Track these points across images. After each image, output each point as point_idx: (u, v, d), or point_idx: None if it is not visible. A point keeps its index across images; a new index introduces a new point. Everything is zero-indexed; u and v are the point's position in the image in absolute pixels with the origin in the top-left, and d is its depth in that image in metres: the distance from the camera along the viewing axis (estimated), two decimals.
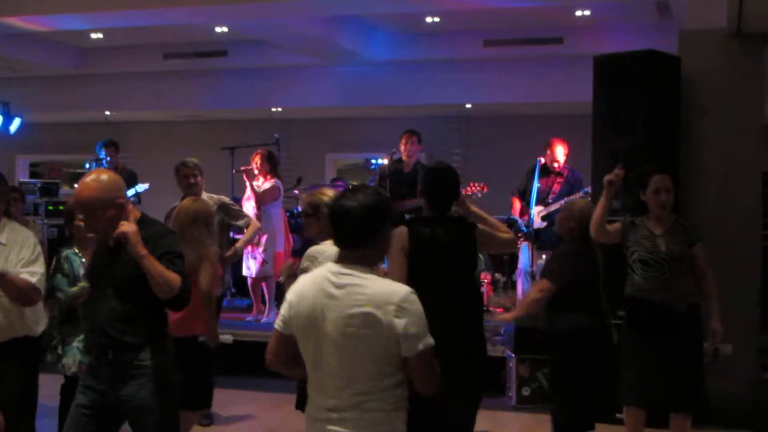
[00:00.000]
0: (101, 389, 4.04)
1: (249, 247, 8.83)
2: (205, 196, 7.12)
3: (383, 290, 3.07)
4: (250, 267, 9.26)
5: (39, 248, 4.89)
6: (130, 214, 4.07)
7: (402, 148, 9.51)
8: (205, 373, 5.76)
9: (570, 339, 5.45)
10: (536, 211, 9.01)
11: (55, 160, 17.53)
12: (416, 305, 3.06)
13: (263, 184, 9.25)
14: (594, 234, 5.55)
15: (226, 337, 6.16)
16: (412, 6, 9.93)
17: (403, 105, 13.21)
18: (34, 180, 13.38)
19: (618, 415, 6.04)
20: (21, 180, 13.92)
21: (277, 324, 3.30)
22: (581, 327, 5.43)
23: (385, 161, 9.73)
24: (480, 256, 6.18)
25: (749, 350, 7.43)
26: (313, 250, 4.88)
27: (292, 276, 5.11)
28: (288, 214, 10.28)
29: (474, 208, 4.90)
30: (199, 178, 7.18)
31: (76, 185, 4.03)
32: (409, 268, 4.61)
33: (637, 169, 5.91)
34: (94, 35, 12.05)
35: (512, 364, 7.76)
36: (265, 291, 9.39)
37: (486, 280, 9.79)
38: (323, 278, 3.18)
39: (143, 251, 3.90)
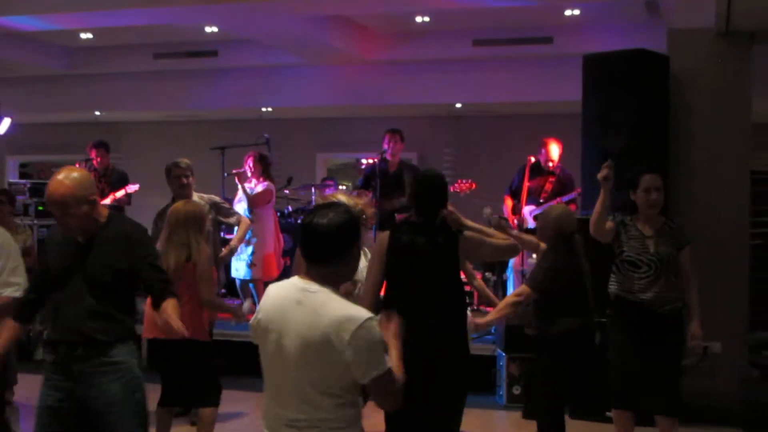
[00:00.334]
0: (68, 387, 4.06)
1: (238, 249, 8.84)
2: (195, 196, 7.12)
3: (342, 315, 3.06)
4: (238, 269, 9.27)
5: (17, 254, 4.88)
6: (101, 211, 4.14)
7: (385, 147, 9.52)
8: (209, 370, 5.85)
9: (560, 344, 5.45)
10: (528, 211, 9.04)
11: (45, 161, 17.46)
12: (373, 331, 3.06)
13: (256, 186, 9.25)
14: (593, 233, 5.54)
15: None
16: (401, 6, 9.93)
17: (393, 104, 13.20)
18: (23, 180, 13.34)
19: (608, 413, 6.06)
20: (11, 180, 13.88)
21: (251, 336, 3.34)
22: (571, 331, 5.42)
23: (370, 161, 9.76)
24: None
25: (739, 348, 7.46)
26: None
27: None
28: (279, 214, 10.28)
29: (469, 223, 4.89)
30: (190, 179, 7.18)
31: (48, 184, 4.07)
32: (387, 274, 4.65)
33: (627, 168, 5.92)
34: (83, 35, 12.01)
35: (502, 363, 7.78)
36: (254, 292, 9.40)
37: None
38: (289, 293, 3.20)
39: None
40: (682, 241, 5.58)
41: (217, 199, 7.52)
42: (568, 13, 10.47)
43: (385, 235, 4.73)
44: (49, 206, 4.05)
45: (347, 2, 9.68)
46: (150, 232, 7.32)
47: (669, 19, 8.41)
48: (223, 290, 10.15)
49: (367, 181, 9.59)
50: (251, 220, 9.06)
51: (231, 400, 7.29)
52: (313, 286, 3.15)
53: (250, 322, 3.34)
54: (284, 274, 6.43)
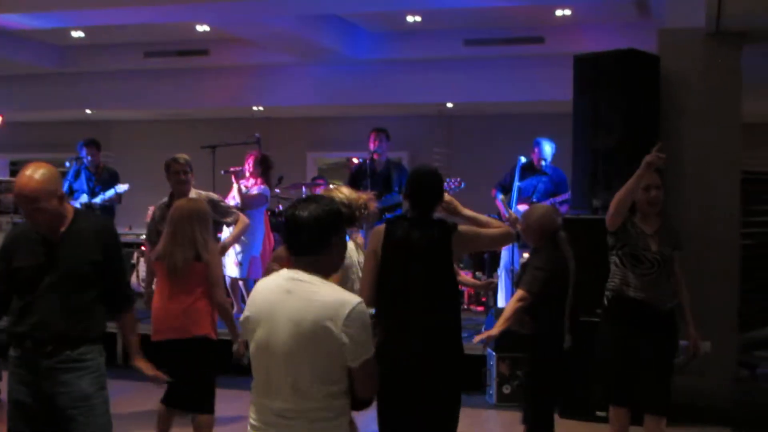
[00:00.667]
0: (34, 381, 4.10)
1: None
2: (194, 193, 7.11)
3: (333, 299, 3.14)
4: (228, 267, 9.25)
5: None
6: (67, 207, 4.20)
7: (371, 146, 9.53)
8: (211, 374, 5.80)
9: (551, 342, 5.44)
10: (521, 210, 9.05)
11: (35, 159, 17.41)
12: (363, 316, 3.14)
13: (252, 187, 9.25)
14: (615, 211, 5.38)
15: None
16: (393, 5, 9.94)
17: (385, 104, 13.21)
18: (13, 178, 13.30)
19: (598, 413, 6.07)
20: (0, 179, 13.84)
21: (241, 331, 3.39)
22: (561, 330, 5.42)
23: (356, 161, 9.78)
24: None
25: (729, 347, 7.48)
26: None
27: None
28: (270, 213, 10.28)
29: (466, 212, 4.89)
30: (189, 175, 7.17)
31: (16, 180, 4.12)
32: (382, 269, 4.65)
33: (617, 168, 5.94)
34: (75, 33, 11.99)
35: (493, 362, 7.79)
36: (243, 291, 9.41)
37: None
38: (278, 284, 3.25)
39: None
40: (677, 243, 5.60)
41: (214, 196, 7.47)
42: (559, 13, 10.50)
43: (380, 229, 4.73)
44: (20, 201, 4.06)
45: (338, 1, 9.68)
46: (147, 228, 7.37)
47: (659, 19, 8.43)
48: None
49: (354, 180, 9.61)
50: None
51: (224, 399, 7.28)
52: (302, 275, 3.21)
53: (240, 318, 3.35)
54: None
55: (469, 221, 4.86)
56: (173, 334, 5.64)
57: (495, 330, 5.35)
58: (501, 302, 9.05)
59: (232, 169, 9.33)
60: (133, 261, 10.73)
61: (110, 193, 9.80)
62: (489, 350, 7.88)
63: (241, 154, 9.82)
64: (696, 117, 7.63)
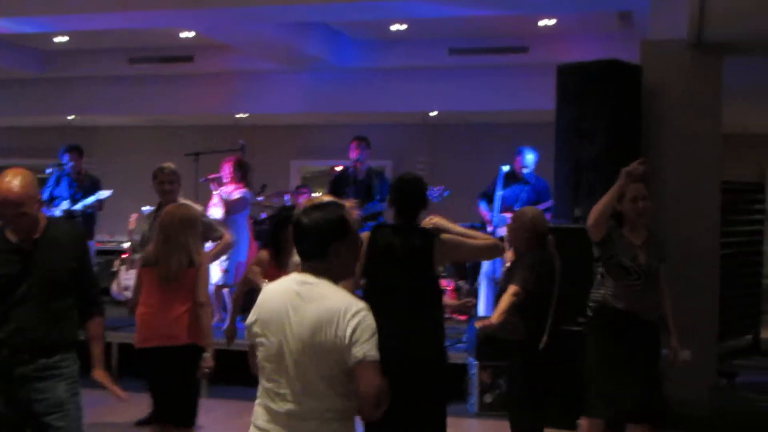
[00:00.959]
0: (8, 389, 4.10)
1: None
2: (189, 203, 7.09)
3: (338, 303, 3.17)
4: (212, 274, 9.21)
5: None
6: (41, 214, 4.21)
7: (353, 155, 9.54)
8: (197, 382, 5.70)
9: (546, 348, 5.45)
10: (506, 218, 9.08)
11: (16, 165, 17.33)
12: (368, 320, 3.16)
13: (233, 192, 9.24)
14: (594, 221, 5.40)
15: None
16: (378, 13, 9.96)
17: (369, 112, 13.22)
18: None
19: (578, 422, 6.08)
20: None
21: (246, 335, 3.39)
22: (549, 334, 5.43)
23: (338, 169, 9.79)
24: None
25: (708, 356, 7.52)
26: None
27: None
28: (252, 220, 10.26)
29: (455, 228, 4.92)
30: (175, 185, 7.16)
31: None
32: (366, 275, 4.67)
33: (599, 177, 5.96)
34: (58, 39, 11.96)
35: (474, 370, 7.79)
36: (226, 299, 9.38)
37: (449, 288, 9.82)
38: (287, 287, 3.29)
39: None
40: (663, 255, 5.63)
41: (201, 210, 7.37)
42: (542, 23, 10.55)
43: (364, 237, 4.75)
44: (4, 207, 4.04)
45: (324, 10, 9.69)
46: (139, 234, 7.32)
47: (642, 30, 8.49)
48: None
49: (335, 188, 9.62)
50: (226, 225, 9.05)
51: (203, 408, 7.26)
52: (311, 279, 3.25)
53: (246, 321, 3.37)
54: None
55: (457, 235, 4.89)
56: (163, 341, 5.54)
57: (494, 318, 5.37)
58: (482, 311, 9.06)
59: (211, 176, 9.31)
60: (114, 269, 10.67)
61: (91, 199, 9.76)
62: (470, 359, 7.89)
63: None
64: (677, 127, 7.69)
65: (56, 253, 4.16)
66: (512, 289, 5.43)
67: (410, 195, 4.88)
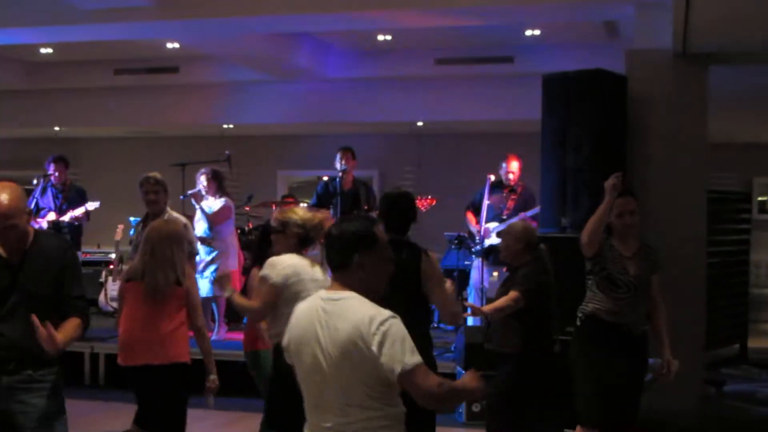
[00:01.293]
0: None
1: (200, 266, 8.82)
2: (174, 214, 7.07)
3: (362, 316, 3.18)
4: (201, 286, 9.18)
5: None
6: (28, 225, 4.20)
7: (338, 165, 9.54)
8: (185, 399, 5.66)
9: (541, 362, 5.45)
10: (492, 227, 9.08)
11: (2, 176, 17.26)
12: (395, 328, 3.16)
13: (213, 203, 9.21)
14: (588, 239, 5.38)
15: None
16: (364, 24, 9.97)
17: (355, 122, 13.23)
18: None
19: (566, 431, 6.07)
20: None
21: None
22: (540, 347, 5.43)
23: (325, 179, 9.80)
24: None
25: (695, 366, 7.52)
26: (272, 259, 5.15)
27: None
28: (239, 231, 10.24)
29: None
30: (161, 194, 7.15)
31: None
32: None
33: (584, 187, 5.96)
34: (43, 50, 11.93)
35: None
36: (216, 309, 9.35)
37: None
38: (314, 305, 3.34)
39: None
40: (655, 266, 5.62)
41: (187, 222, 7.34)
42: (528, 33, 10.58)
43: None
44: None
45: (309, 20, 9.68)
46: (132, 243, 7.28)
47: (627, 39, 8.51)
48: None
49: (320, 199, 9.61)
50: (212, 238, 9.05)
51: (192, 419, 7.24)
52: (337, 294, 3.30)
53: (283, 343, 3.44)
54: (243, 292, 6.34)
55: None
56: (150, 359, 5.47)
57: (487, 309, 5.38)
58: (470, 320, 9.04)
59: (189, 192, 9.29)
60: (102, 279, 10.63)
61: (80, 210, 9.72)
62: (458, 368, 7.88)
63: None
64: (663, 137, 7.70)
65: (44, 265, 4.15)
66: (513, 294, 5.44)
67: (399, 210, 5.00)
